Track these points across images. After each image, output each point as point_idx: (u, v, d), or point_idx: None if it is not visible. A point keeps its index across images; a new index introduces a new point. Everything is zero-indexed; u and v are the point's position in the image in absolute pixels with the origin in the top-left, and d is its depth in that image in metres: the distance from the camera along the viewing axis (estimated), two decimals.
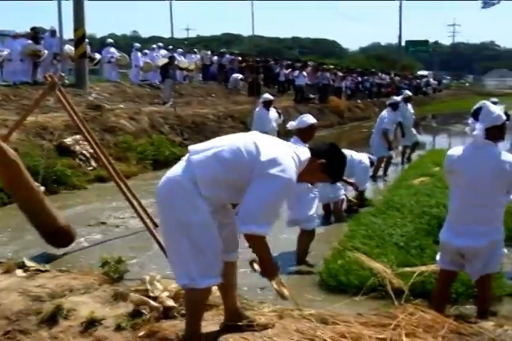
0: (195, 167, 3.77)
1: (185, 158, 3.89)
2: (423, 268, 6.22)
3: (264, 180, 3.66)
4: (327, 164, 3.97)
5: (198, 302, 3.99)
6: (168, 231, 3.91)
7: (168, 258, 4.07)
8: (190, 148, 3.93)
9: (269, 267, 3.98)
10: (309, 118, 7.36)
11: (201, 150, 3.85)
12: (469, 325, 4.66)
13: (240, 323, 4.22)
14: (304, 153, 3.98)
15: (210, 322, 4.39)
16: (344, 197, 9.50)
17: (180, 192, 3.75)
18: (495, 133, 4.89)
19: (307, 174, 3.97)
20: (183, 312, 4.37)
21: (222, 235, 3.91)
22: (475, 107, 5.00)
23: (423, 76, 64.84)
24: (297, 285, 6.70)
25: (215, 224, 3.84)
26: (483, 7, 29.37)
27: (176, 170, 3.85)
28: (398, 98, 15.39)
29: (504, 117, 4.96)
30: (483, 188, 4.83)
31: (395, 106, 14.45)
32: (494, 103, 5.23)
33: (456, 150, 5.06)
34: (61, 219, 7.39)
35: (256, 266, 4.11)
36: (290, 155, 3.82)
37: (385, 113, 14.38)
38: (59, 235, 7.34)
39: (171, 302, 4.58)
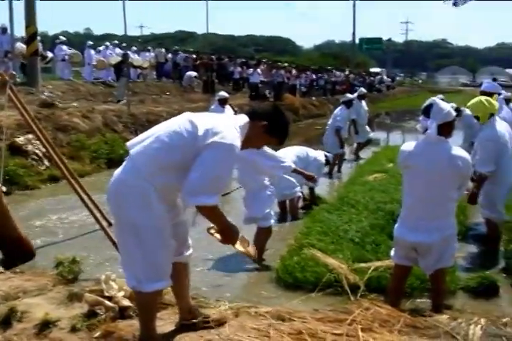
0: (136, 160, 3.72)
1: (128, 156, 3.84)
2: (378, 263, 6.28)
3: (207, 151, 3.59)
4: (270, 125, 3.93)
5: (147, 305, 3.97)
6: (119, 231, 3.87)
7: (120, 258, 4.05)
8: (128, 143, 3.88)
9: (228, 233, 3.89)
10: None
11: (137, 142, 3.81)
12: (424, 319, 4.72)
13: (195, 321, 4.22)
14: (241, 118, 3.94)
15: (167, 321, 4.37)
16: (300, 194, 9.53)
17: (128, 192, 3.70)
18: (446, 129, 4.96)
19: (252, 138, 3.93)
20: None
21: (174, 235, 3.88)
22: (425, 104, 5.06)
23: (376, 73, 65.43)
24: (254, 282, 6.72)
25: (168, 224, 3.81)
26: (454, 4, 29.41)
27: (121, 169, 3.81)
28: (352, 96, 15.49)
29: (454, 114, 5.03)
30: (435, 184, 4.89)
31: (348, 104, 14.55)
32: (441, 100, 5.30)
33: (409, 145, 5.11)
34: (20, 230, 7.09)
35: (216, 235, 4.06)
36: (227, 123, 3.78)
37: (338, 110, 14.47)
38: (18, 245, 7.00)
39: (126, 302, 4.54)
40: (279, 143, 4.20)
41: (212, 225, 4.00)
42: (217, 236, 4.00)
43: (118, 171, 3.82)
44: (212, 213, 3.68)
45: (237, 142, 3.70)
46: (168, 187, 3.75)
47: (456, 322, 4.71)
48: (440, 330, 4.51)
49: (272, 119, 3.97)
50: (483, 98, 7.50)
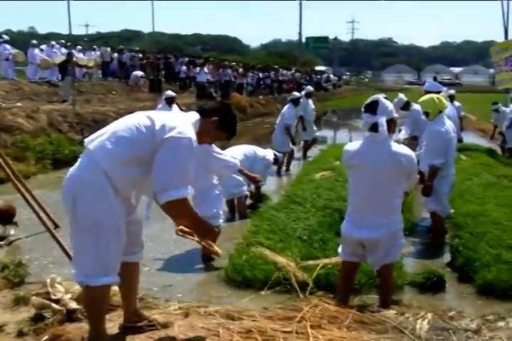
0: (94, 155, 3.72)
1: (84, 153, 3.83)
2: (326, 260, 6.33)
3: (166, 146, 3.68)
4: (220, 120, 4.05)
5: (95, 301, 3.93)
6: (76, 228, 3.81)
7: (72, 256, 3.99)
8: (86, 140, 3.87)
9: (203, 226, 3.96)
10: None
11: (95, 138, 3.82)
12: (372, 315, 4.79)
13: (140, 324, 4.20)
14: (192, 115, 4.04)
15: (117, 323, 4.33)
16: (247, 193, 9.54)
17: (85, 189, 3.69)
18: (390, 126, 5.04)
19: (204, 134, 4.01)
20: None
21: (126, 233, 3.86)
22: (369, 101, 5.12)
23: (321, 71, 65.84)
24: (204, 282, 6.70)
25: (123, 219, 3.81)
26: None
27: (77, 166, 3.79)
28: (299, 94, 15.53)
29: (393, 113, 5.14)
30: (381, 181, 4.95)
31: (296, 102, 14.59)
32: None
33: (353, 145, 5.16)
34: None
35: (189, 236, 4.05)
36: (182, 119, 3.90)
37: (286, 109, 14.50)
38: None
39: (74, 305, 4.49)
40: (228, 138, 4.30)
41: (180, 227, 4.00)
42: (190, 236, 4.01)
43: (73, 168, 3.80)
44: (183, 206, 3.75)
45: (194, 136, 3.78)
46: (127, 181, 3.78)
47: (404, 317, 4.79)
48: (388, 325, 4.58)
49: (222, 115, 4.09)
50: (434, 96, 7.80)
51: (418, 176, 5.56)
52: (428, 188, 7.50)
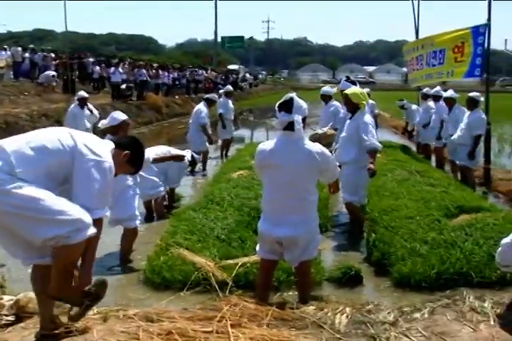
0: (9, 155, 3.65)
1: None
2: (245, 259, 6.34)
3: (88, 168, 3.79)
4: (132, 155, 4.19)
5: (74, 257, 3.87)
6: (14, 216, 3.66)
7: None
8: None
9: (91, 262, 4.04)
10: (120, 115, 7.31)
11: (14, 140, 3.80)
12: (292, 311, 4.84)
13: (57, 331, 4.10)
14: (109, 143, 4.16)
15: (32, 331, 4.25)
16: (164, 193, 9.47)
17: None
18: (303, 124, 5.09)
19: (115, 165, 4.04)
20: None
21: None
22: (283, 100, 5.16)
23: (234, 70, 65.92)
24: (122, 285, 6.60)
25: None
26: None
27: None
28: (217, 97, 15.46)
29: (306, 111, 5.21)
30: (296, 179, 5.00)
31: (210, 102, 14.51)
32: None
33: (268, 144, 5.19)
34: None
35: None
36: (102, 143, 4.07)
37: (200, 108, 14.39)
38: None
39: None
40: (132, 174, 4.73)
41: None
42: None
43: None
44: (100, 225, 3.93)
45: (112, 160, 3.98)
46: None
47: (323, 312, 4.86)
48: (307, 321, 4.64)
49: (135, 150, 4.26)
50: (358, 90, 8.16)
51: (339, 169, 5.63)
52: (372, 170, 7.68)
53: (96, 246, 3.99)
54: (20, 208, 3.59)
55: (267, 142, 5.29)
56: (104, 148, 4.00)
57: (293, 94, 5.27)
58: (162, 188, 9.19)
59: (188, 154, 10.27)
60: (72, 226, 3.67)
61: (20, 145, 3.73)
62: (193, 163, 10.82)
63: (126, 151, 4.17)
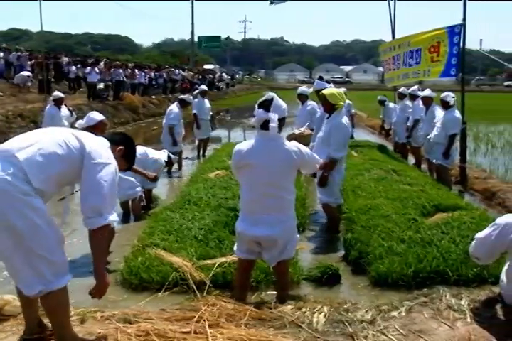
0: (21, 165, 3.59)
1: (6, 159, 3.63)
2: (223, 259, 6.33)
3: (97, 172, 3.79)
4: (126, 150, 4.25)
5: (62, 303, 3.86)
6: (8, 243, 3.59)
7: (9, 272, 3.81)
8: (6, 146, 3.74)
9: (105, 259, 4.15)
10: (96, 115, 7.29)
11: (21, 146, 3.69)
12: (270, 311, 4.85)
13: (42, 335, 4.09)
14: (104, 140, 4.12)
15: (9, 334, 4.22)
16: (142, 193, 9.43)
17: (12, 197, 3.53)
18: (281, 124, 5.09)
19: None
20: None
21: None
22: (263, 99, 5.17)
23: (209, 70, 65.76)
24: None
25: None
26: (270, 3, 30.45)
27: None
28: (191, 98, 15.38)
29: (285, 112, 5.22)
30: (275, 178, 5.00)
31: (184, 103, 14.45)
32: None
33: (245, 144, 5.19)
34: None
35: None
36: (105, 144, 4.03)
37: (172, 108, 14.33)
38: None
39: None
40: (125, 170, 4.55)
41: None
42: None
43: None
44: (109, 230, 4.08)
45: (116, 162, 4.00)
46: (48, 195, 3.78)
47: (301, 312, 4.87)
48: (285, 320, 4.65)
49: (128, 145, 4.32)
50: (336, 91, 8.12)
51: (318, 165, 5.65)
52: (324, 179, 7.73)
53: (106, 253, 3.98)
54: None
55: (243, 142, 5.29)
56: (108, 149, 3.99)
57: (273, 94, 5.28)
58: (139, 189, 9.14)
59: (164, 154, 10.23)
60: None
61: (31, 153, 3.65)
62: (169, 163, 10.77)
63: (121, 147, 4.21)
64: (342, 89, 9.59)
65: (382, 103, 18.13)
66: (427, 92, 12.54)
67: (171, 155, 10.71)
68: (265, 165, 4.99)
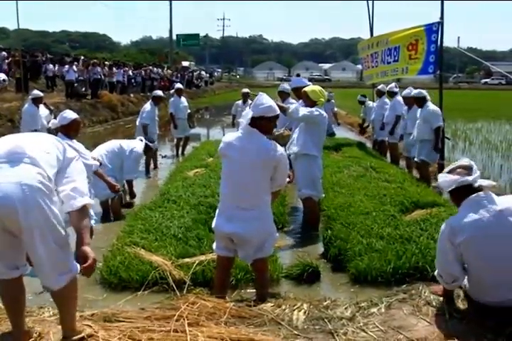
0: (34, 164, 3.70)
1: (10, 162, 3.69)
2: (202, 257, 6.33)
3: (74, 163, 4.03)
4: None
5: (75, 292, 4.07)
6: (38, 238, 3.64)
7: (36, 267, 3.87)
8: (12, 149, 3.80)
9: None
10: (70, 114, 7.23)
11: (29, 148, 3.80)
12: (250, 308, 4.86)
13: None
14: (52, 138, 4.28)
15: None
16: (121, 192, 9.38)
17: (38, 195, 3.61)
18: (263, 123, 5.09)
19: None
20: None
21: (16, 246, 3.82)
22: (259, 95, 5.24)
23: (186, 67, 65.46)
24: (78, 285, 6.51)
25: None
26: None
27: (14, 173, 3.62)
28: (161, 93, 15.32)
29: (276, 112, 5.20)
30: (250, 174, 5.02)
31: (157, 100, 14.42)
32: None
33: (230, 136, 5.25)
34: None
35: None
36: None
37: (146, 107, 14.29)
38: None
39: None
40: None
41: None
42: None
43: (9, 176, 3.61)
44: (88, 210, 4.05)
45: None
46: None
47: (281, 309, 4.89)
48: (265, 318, 4.66)
49: None
50: (317, 88, 8.22)
51: (288, 179, 5.65)
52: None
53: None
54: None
55: (232, 133, 5.34)
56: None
57: (263, 93, 5.29)
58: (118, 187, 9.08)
59: (141, 143, 10.12)
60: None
61: (37, 150, 3.82)
62: (148, 149, 10.57)
63: None
64: (328, 91, 9.60)
65: (362, 103, 18.17)
66: (417, 91, 12.28)
67: (149, 143, 10.52)
68: (240, 159, 5.04)
